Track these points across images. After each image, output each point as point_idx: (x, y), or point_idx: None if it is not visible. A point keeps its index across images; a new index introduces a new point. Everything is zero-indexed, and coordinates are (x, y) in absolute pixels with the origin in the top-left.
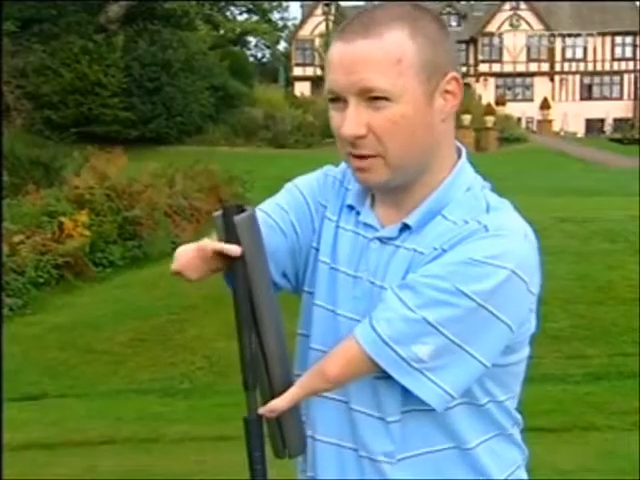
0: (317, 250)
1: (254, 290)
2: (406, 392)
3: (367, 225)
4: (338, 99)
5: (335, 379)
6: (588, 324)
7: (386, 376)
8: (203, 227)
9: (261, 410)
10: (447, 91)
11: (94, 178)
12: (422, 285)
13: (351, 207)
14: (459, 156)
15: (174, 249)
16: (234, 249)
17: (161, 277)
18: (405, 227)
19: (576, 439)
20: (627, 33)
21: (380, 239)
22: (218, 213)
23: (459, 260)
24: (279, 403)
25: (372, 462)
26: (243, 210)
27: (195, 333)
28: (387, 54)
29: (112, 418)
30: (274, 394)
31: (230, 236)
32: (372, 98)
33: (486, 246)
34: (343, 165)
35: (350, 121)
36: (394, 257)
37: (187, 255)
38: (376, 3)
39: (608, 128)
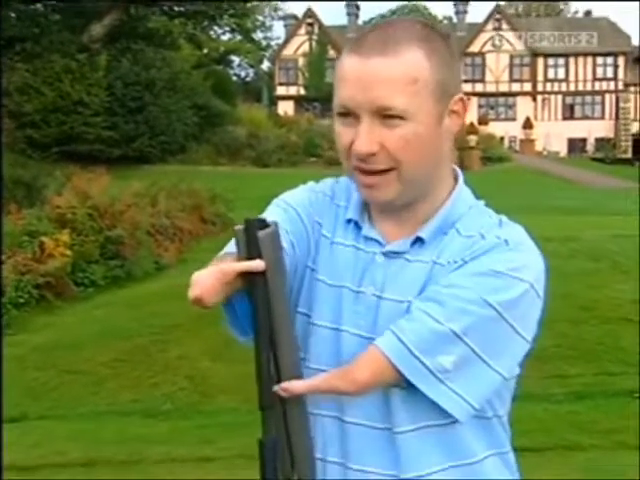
0: (312, 270)
1: (273, 307)
2: (416, 408)
3: (370, 239)
4: (348, 114)
5: (363, 384)
6: (571, 343)
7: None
8: (186, 247)
9: (276, 387)
10: (453, 111)
11: (76, 197)
12: (446, 296)
13: (350, 221)
14: (455, 176)
15: (157, 269)
16: (258, 264)
17: (143, 297)
18: (416, 241)
19: (559, 459)
20: (608, 54)
21: (386, 254)
22: (240, 227)
23: (481, 271)
24: (297, 385)
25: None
26: (265, 225)
27: (178, 353)
28: (405, 73)
29: (93, 440)
30: (287, 415)
31: (252, 251)
32: (386, 116)
33: (507, 259)
34: (328, 181)
35: (363, 138)
36: (407, 270)
37: (207, 280)
38: (388, 20)
39: (590, 147)
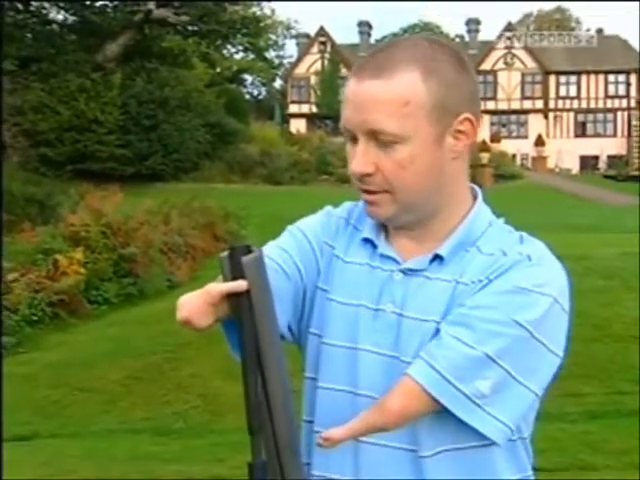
0: (324, 290)
1: (259, 331)
2: (443, 430)
3: (386, 257)
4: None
5: (397, 414)
6: (584, 362)
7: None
8: (198, 265)
9: (317, 439)
10: (459, 131)
11: (90, 215)
12: (475, 319)
13: (366, 240)
14: (474, 195)
15: (169, 287)
16: (240, 284)
17: (156, 315)
18: (435, 258)
19: (573, 479)
20: (619, 71)
21: (403, 271)
22: (225, 254)
23: (506, 289)
24: (337, 432)
25: None
26: (250, 251)
27: (190, 372)
28: (395, 96)
29: (104, 458)
30: (277, 438)
31: (236, 276)
32: (381, 138)
33: (531, 275)
34: (346, 204)
35: (358, 159)
36: (427, 288)
37: (192, 302)
38: (394, 39)
39: (602, 165)
